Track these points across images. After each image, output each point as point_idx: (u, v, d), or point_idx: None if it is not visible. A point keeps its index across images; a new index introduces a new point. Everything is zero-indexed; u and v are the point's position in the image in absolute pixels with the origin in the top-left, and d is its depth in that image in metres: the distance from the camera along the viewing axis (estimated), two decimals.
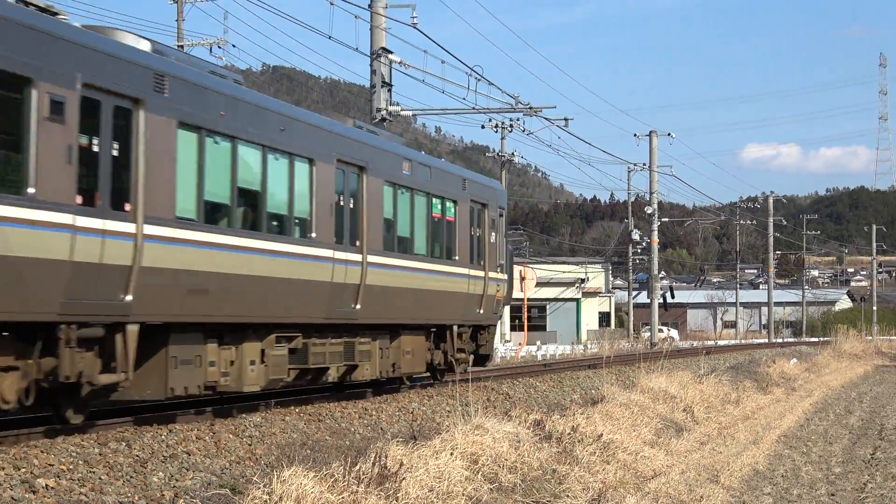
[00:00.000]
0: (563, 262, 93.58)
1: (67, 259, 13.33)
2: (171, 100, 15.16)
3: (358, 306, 20.14)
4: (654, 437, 20.58)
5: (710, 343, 76.22)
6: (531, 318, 75.21)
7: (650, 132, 68.84)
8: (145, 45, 15.49)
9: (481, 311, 26.03)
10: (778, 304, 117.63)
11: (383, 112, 34.20)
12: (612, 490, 15.04)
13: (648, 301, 71.10)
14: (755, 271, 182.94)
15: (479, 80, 37.28)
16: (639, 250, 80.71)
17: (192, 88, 15.75)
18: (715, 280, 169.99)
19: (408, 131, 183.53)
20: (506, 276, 27.92)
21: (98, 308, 14.00)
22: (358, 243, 20.30)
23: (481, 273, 25.99)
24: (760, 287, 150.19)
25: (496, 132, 57.19)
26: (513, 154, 60.13)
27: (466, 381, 21.75)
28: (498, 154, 60.40)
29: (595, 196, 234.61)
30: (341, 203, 19.84)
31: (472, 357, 26.32)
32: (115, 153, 14.29)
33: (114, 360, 14.40)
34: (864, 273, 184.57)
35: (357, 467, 11.95)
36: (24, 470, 11.65)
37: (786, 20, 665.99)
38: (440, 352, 24.79)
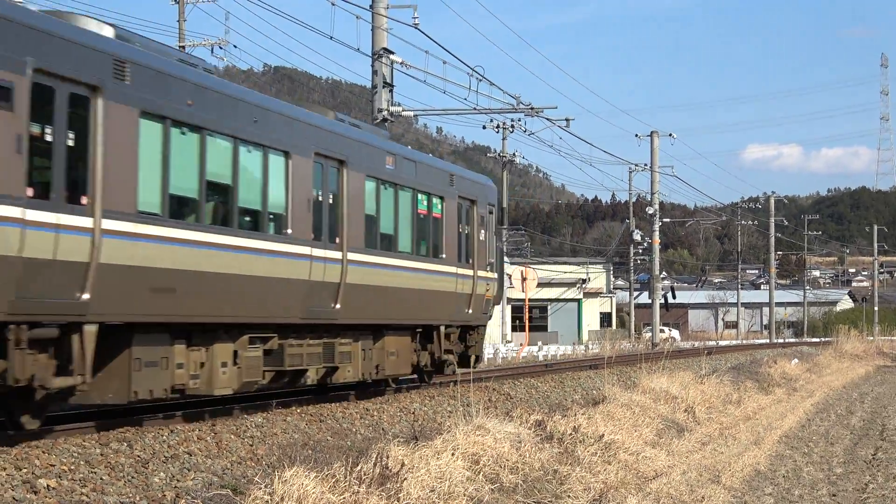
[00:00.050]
0: (565, 263, 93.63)
1: (16, 255, 12.55)
2: (132, 87, 14.36)
3: (338, 306, 19.44)
4: (656, 438, 20.57)
5: (712, 343, 76.17)
6: (532, 319, 75.22)
7: (651, 132, 68.89)
8: (108, 31, 14.77)
9: (470, 311, 25.35)
10: (779, 304, 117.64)
11: (385, 112, 34.22)
12: (614, 490, 15.03)
13: (650, 301, 71.09)
14: (756, 272, 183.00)
15: (480, 80, 37.32)
16: (640, 251, 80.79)
17: (155, 76, 14.93)
18: (716, 280, 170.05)
19: (409, 132, 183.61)
20: (496, 275, 27.17)
21: (51, 307, 13.19)
22: (338, 240, 19.61)
23: (470, 272, 25.31)
24: (762, 287, 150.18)
25: (497, 133, 57.29)
26: (514, 154, 60.14)
27: (468, 382, 21.43)
28: (499, 154, 60.40)
29: (596, 196, 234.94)
30: (320, 198, 19.12)
31: (460, 358, 25.60)
32: (70, 143, 13.49)
33: (70, 362, 13.59)
34: (866, 273, 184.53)
35: (358, 468, 11.94)
36: (25, 470, 11.66)
37: (786, 20, 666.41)
38: (427, 353, 24.10)
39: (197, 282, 15.62)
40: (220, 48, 50.60)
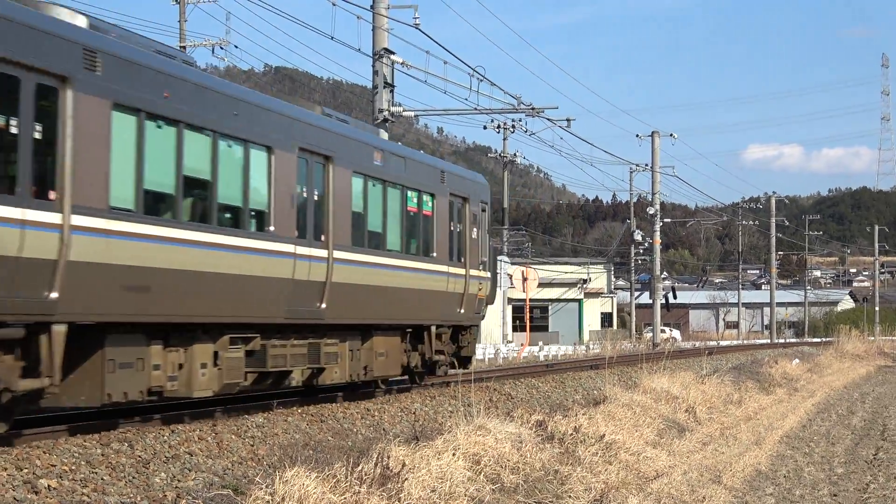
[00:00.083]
0: (566, 263, 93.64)
1: None
2: (104, 78, 13.79)
3: (324, 305, 18.96)
4: (657, 438, 20.56)
5: (713, 343, 76.16)
6: (533, 319, 75.22)
7: (652, 133, 68.93)
8: (81, 21, 14.23)
9: (462, 311, 24.86)
10: (780, 304, 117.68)
11: (385, 113, 34.23)
12: (615, 490, 15.03)
13: (650, 301, 71.10)
14: (757, 272, 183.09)
15: (481, 80, 37.34)
16: (641, 251, 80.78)
17: (129, 67, 14.35)
18: (717, 280, 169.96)
19: (410, 132, 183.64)
20: (489, 274, 26.66)
21: (17, 306, 12.62)
22: (323, 238, 19.11)
23: (462, 271, 24.84)
24: (763, 287, 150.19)
25: (498, 133, 57.36)
26: (515, 155, 60.20)
27: (469, 382, 21.35)
28: (500, 155, 60.43)
29: (597, 196, 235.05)
30: (304, 195, 18.63)
31: (454, 359, 25.15)
32: (37, 136, 12.92)
33: (38, 363, 13.11)
34: (867, 273, 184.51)
35: (359, 468, 11.94)
36: (26, 470, 11.66)
37: (787, 20, 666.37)
38: (417, 354, 23.61)
39: (174, 280, 15.12)
40: (221, 48, 50.73)
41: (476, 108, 38.99)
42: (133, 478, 12.30)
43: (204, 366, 16.15)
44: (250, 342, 17.34)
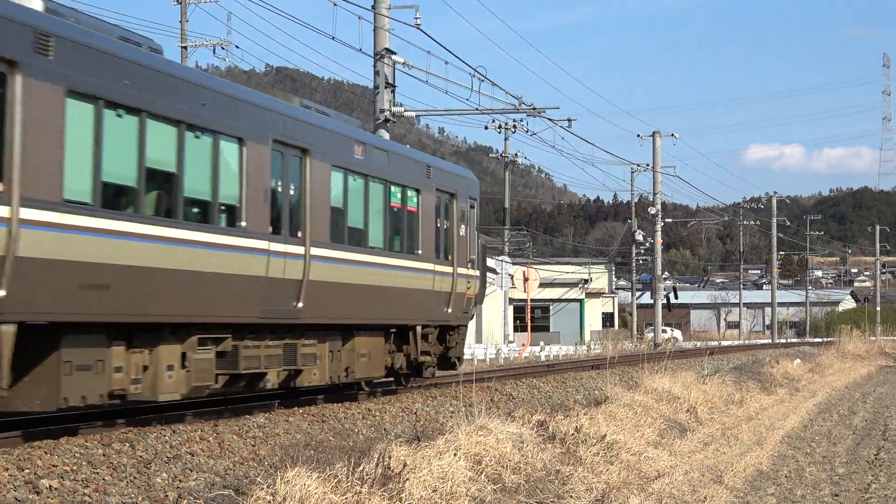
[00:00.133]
0: (567, 263, 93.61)
1: None
2: (57, 64, 13.03)
3: (300, 304, 18.18)
4: (658, 438, 20.56)
5: (714, 343, 76.15)
6: (534, 319, 75.23)
7: (653, 133, 68.90)
8: (37, 4, 13.47)
9: (449, 311, 24.02)
10: (781, 304, 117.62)
11: (387, 113, 34.23)
12: (616, 491, 15.04)
13: (652, 301, 71.07)
14: (758, 272, 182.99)
15: (482, 80, 37.33)
16: (642, 251, 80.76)
17: (86, 52, 13.57)
18: (718, 280, 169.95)
19: (411, 132, 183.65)
20: (478, 273, 25.79)
21: None
22: (300, 234, 18.36)
23: (449, 269, 24.01)
24: (764, 288, 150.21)
25: (499, 133, 57.34)
26: (516, 155, 60.21)
27: (469, 383, 21.26)
28: (501, 155, 60.44)
29: (598, 196, 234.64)
30: (279, 189, 17.87)
31: (439, 360, 24.44)
32: None
33: None
34: (868, 273, 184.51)
35: (360, 468, 11.95)
36: (27, 471, 11.66)
37: (788, 20, 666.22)
38: (402, 355, 22.76)
39: (136, 278, 14.33)
40: (223, 49, 50.81)
41: (477, 109, 38.99)
42: (134, 478, 12.30)
43: (171, 368, 15.45)
44: (221, 343, 16.63)
